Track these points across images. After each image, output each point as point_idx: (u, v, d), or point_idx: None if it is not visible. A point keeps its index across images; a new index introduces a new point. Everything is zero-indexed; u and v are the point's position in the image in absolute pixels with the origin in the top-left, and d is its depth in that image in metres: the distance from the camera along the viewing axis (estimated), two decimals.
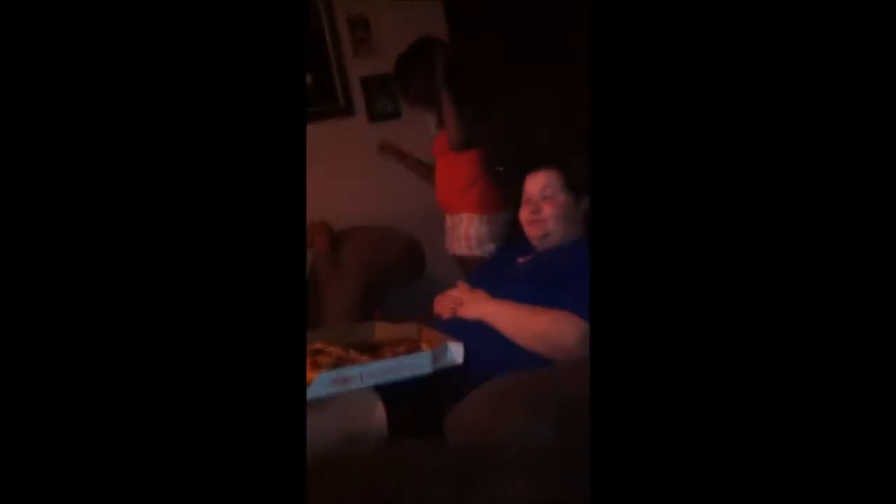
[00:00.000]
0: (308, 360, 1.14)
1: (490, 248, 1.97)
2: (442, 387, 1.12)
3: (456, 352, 1.14)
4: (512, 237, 1.56)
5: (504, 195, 1.88)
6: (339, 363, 1.14)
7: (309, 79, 2.60)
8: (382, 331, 1.42)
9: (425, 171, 2.30)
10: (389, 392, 1.08)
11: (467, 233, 2.06)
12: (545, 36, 1.95)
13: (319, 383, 1.02)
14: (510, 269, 1.41)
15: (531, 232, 1.36)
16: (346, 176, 2.56)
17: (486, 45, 2.26)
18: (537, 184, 1.35)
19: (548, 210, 1.32)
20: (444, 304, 1.38)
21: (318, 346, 1.24)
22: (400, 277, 2.16)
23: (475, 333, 1.22)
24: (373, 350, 1.24)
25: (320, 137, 2.30)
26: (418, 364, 1.10)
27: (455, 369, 1.13)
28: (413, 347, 1.23)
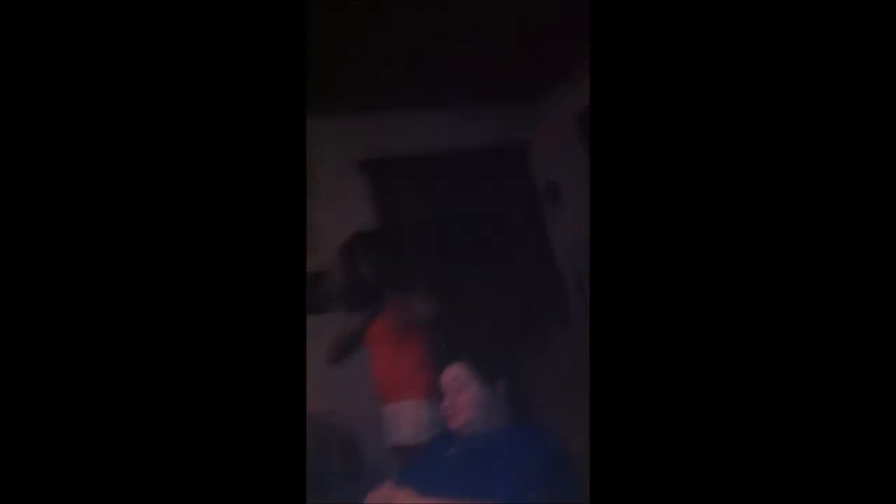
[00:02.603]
0: None
1: (433, 434, 1.86)
2: None
3: None
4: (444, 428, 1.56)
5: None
6: None
7: None
8: None
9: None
10: None
11: (417, 419, 1.97)
12: None
13: None
14: (439, 461, 1.42)
15: (452, 423, 1.40)
16: None
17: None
18: (449, 376, 1.41)
19: (463, 401, 1.37)
20: None
21: None
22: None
23: None
24: None
25: None
26: None
27: None
28: None
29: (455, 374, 1.39)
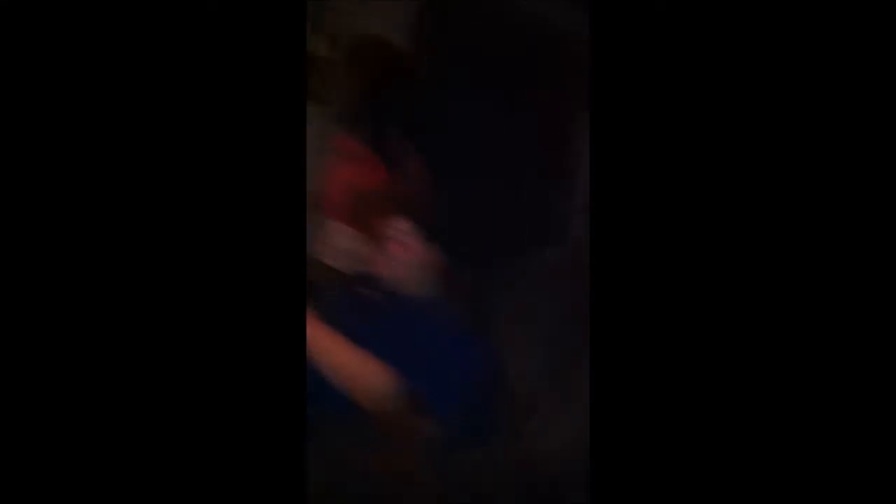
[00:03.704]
0: None
1: (356, 269, 1.73)
2: None
3: None
4: (372, 271, 1.49)
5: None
6: None
7: None
8: None
9: None
10: None
11: (345, 245, 1.82)
12: None
13: None
14: (355, 300, 1.39)
15: (380, 271, 1.36)
16: None
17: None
18: (391, 226, 1.36)
19: (397, 252, 1.32)
20: None
21: None
22: None
23: None
24: None
25: None
26: None
27: None
28: None
29: (399, 226, 1.34)
